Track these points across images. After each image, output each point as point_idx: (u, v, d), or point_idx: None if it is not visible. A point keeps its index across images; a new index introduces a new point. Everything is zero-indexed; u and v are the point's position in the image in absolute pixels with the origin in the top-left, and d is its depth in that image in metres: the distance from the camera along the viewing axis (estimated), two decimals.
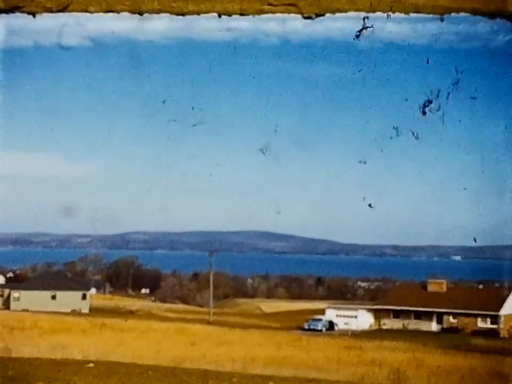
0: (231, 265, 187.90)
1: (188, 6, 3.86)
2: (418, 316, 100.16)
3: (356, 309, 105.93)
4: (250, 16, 3.89)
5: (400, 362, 52.61)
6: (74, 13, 3.81)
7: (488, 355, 61.65)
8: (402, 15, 4.16)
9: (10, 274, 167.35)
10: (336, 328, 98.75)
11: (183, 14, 3.90)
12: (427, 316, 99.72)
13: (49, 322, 77.17)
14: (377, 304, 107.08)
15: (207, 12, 3.88)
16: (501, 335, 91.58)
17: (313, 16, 3.91)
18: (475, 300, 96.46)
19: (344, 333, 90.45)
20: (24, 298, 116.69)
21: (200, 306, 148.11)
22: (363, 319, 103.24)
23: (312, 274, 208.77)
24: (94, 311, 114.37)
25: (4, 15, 3.71)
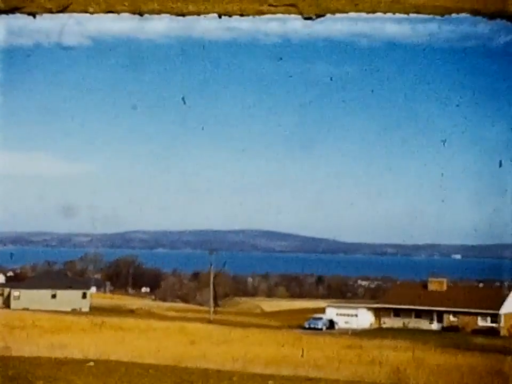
0: (231, 265, 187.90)
1: (188, 6, 3.86)
2: (419, 314, 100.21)
3: (356, 308, 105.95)
4: (251, 17, 3.89)
5: (401, 361, 52.59)
6: (74, 13, 3.82)
7: (488, 354, 61.62)
8: (402, 15, 4.16)
9: (10, 273, 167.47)
10: (336, 327, 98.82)
11: (183, 15, 3.91)
12: (427, 314, 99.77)
13: (49, 321, 77.21)
14: (378, 303, 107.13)
15: (207, 13, 3.88)
16: (501, 334, 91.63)
17: (313, 16, 3.91)
18: (475, 299, 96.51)
19: (344, 332, 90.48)
20: (24, 297, 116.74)
21: (200, 305, 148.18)
22: (363, 318, 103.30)
23: (312, 273, 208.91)
24: (94, 310, 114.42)
25: (3, 15, 3.72)
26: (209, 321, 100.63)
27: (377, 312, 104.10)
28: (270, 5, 3.85)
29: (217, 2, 3.88)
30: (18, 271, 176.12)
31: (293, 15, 3.93)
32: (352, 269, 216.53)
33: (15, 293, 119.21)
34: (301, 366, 46.89)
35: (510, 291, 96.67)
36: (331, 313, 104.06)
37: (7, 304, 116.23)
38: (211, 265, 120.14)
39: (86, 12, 3.81)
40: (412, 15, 4.16)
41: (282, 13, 3.89)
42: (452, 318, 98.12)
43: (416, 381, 44.63)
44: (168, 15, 3.92)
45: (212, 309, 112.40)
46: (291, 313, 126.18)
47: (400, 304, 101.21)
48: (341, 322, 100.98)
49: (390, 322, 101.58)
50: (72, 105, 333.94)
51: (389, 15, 4.14)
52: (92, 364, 36.50)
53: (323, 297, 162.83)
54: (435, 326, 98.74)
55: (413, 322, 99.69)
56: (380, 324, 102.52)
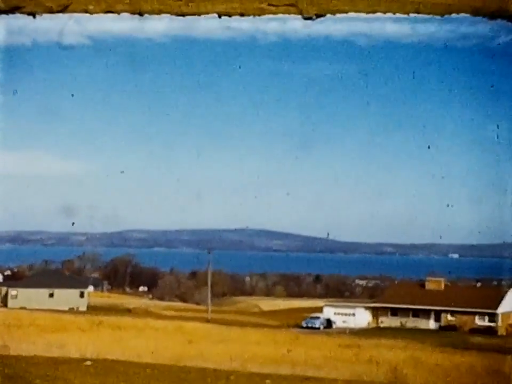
0: (229, 264, 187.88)
1: (188, 6, 3.86)
2: (416, 314, 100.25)
3: (354, 307, 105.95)
4: (251, 17, 3.89)
5: (398, 361, 52.60)
6: (74, 13, 3.81)
7: (486, 353, 61.68)
8: (402, 15, 4.16)
9: (8, 272, 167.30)
10: (334, 326, 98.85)
11: (183, 15, 3.90)
12: (425, 314, 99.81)
13: (46, 320, 77.10)
14: (375, 302, 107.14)
15: (207, 13, 3.87)
16: (499, 333, 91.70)
17: (314, 17, 3.91)
18: (473, 298, 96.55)
19: (342, 331, 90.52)
20: (21, 296, 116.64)
21: (198, 304, 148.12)
22: (361, 317, 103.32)
23: (310, 273, 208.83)
24: (92, 309, 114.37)
25: (3, 15, 3.71)
26: (207, 321, 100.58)
27: (375, 312, 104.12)
28: (270, 5, 3.85)
29: (217, 2, 3.88)
30: (15, 270, 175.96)
31: (293, 15, 3.93)
32: (350, 268, 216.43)
33: (13, 292, 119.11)
34: (299, 365, 46.89)
35: (507, 290, 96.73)
36: (329, 312, 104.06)
37: (4, 303, 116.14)
38: (209, 264, 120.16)
39: (86, 11, 3.81)
40: (411, 15, 4.16)
41: (282, 12, 3.88)
42: (449, 317, 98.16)
43: (413, 380, 44.67)
44: (168, 15, 3.92)
45: (210, 308, 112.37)
46: (289, 312, 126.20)
47: (397, 303, 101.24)
48: (338, 322, 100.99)
49: (387, 321, 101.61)
50: (72, 105, 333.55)
51: (389, 14, 4.14)
52: (89, 363, 36.49)
53: (321, 296, 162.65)
54: (433, 325, 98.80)
55: (411, 322, 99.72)
56: (377, 323, 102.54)
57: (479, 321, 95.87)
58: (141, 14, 3.87)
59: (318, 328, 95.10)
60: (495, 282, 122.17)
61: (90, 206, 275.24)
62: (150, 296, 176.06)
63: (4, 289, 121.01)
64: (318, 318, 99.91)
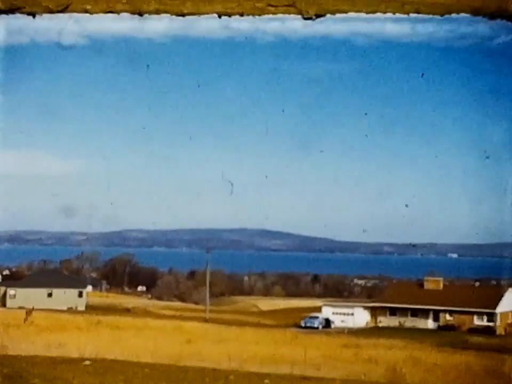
0: (227, 263, 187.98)
1: (188, 6, 3.86)
2: (415, 313, 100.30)
3: (353, 307, 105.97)
4: (250, 17, 3.89)
5: (397, 360, 52.62)
6: (74, 13, 3.81)
7: (484, 353, 61.73)
8: (401, 15, 4.16)
9: (6, 272, 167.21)
10: (332, 325, 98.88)
11: (182, 15, 3.90)
12: (423, 313, 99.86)
13: (45, 320, 77.03)
14: (374, 302, 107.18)
15: (207, 13, 3.87)
16: (497, 333, 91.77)
17: (313, 17, 3.91)
18: (471, 298, 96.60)
19: (340, 331, 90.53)
20: (20, 296, 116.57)
21: (197, 304, 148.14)
22: (359, 317, 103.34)
23: (308, 272, 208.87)
24: (90, 308, 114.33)
25: (3, 15, 3.71)
26: (206, 320, 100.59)
27: (374, 311, 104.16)
28: (270, 5, 3.85)
29: (217, 2, 3.88)
30: (14, 269, 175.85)
31: (292, 15, 3.93)
32: (349, 267, 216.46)
33: (11, 291, 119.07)
34: (297, 364, 46.89)
35: (506, 290, 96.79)
36: (327, 312, 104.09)
37: (2, 302, 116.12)
38: (207, 264, 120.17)
39: (86, 11, 3.81)
40: (411, 15, 4.16)
41: (282, 13, 3.89)
42: (448, 317, 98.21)
43: (412, 379, 44.67)
44: (167, 15, 3.92)
45: (208, 308, 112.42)
46: (287, 312, 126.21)
47: (396, 303, 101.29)
48: (337, 321, 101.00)
49: (386, 321, 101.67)
50: (71, 104, 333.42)
51: (389, 14, 4.14)
52: (88, 362, 36.47)
53: (319, 296, 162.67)
54: (431, 325, 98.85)
55: (409, 321, 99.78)
56: (376, 322, 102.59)
57: (478, 321, 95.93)
58: (140, 14, 3.87)
59: (317, 328, 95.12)
60: (493, 282, 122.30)
61: (89, 205, 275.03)
62: (149, 295, 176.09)
63: (2, 289, 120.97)
64: (317, 317, 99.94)
